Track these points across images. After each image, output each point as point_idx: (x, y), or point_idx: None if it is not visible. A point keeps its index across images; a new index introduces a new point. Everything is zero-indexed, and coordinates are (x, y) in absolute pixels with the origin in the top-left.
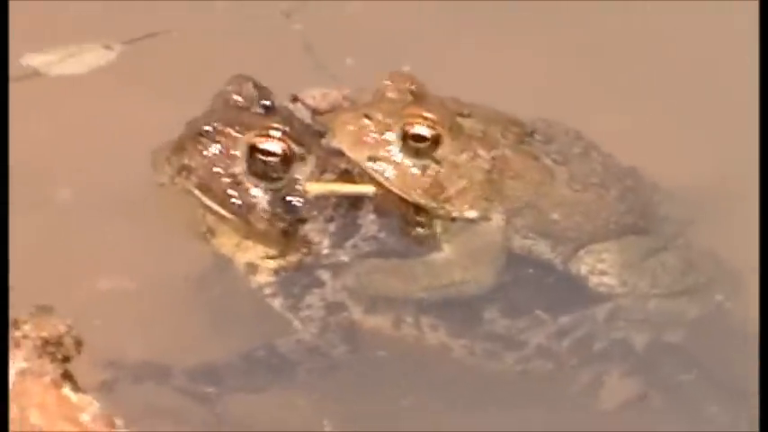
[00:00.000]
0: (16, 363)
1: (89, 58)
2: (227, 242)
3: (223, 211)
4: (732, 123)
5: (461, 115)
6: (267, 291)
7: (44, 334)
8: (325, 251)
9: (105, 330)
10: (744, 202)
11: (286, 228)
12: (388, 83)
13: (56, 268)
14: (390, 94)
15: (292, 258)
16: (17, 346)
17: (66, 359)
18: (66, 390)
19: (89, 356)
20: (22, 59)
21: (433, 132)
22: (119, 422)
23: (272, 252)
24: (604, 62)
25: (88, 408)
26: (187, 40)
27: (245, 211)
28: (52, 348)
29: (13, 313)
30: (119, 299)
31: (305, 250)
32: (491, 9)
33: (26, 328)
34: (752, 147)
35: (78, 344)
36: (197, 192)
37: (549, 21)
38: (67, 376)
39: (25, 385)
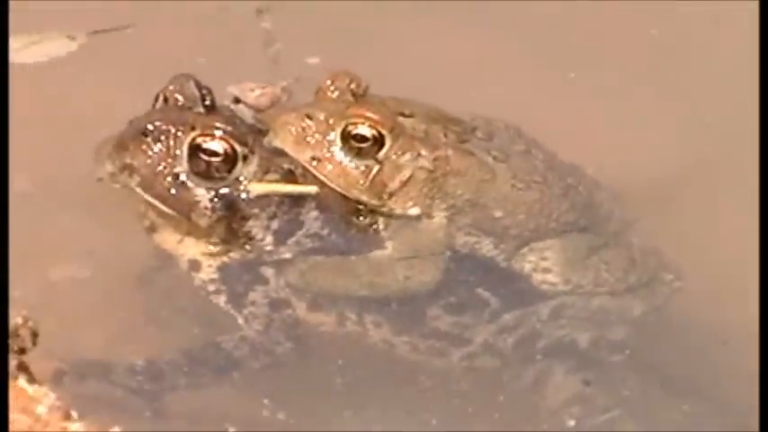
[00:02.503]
0: None
1: (51, 48)
2: (169, 238)
3: (166, 209)
4: (679, 124)
5: (403, 115)
6: (210, 288)
7: None
8: (268, 248)
9: (58, 320)
10: (686, 200)
11: (229, 225)
12: (329, 82)
13: (12, 257)
14: (331, 94)
15: (235, 255)
16: None
17: (21, 351)
18: (22, 382)
19: (43, 347)
20: None
21: (374, 133)
22: (74, 414)
23: (215, 249)
24: (555, 58)
25: (44, 399)
26: (152, 34)
27: (187, 210)
28: (8, 340)
29: None
30: (72, 288)
31: (248, 247)
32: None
33: None
34: (696, 147)
35: (34, 335)
36: (139, 190)
37: (513, 19)
38: (23, 368)
39: None
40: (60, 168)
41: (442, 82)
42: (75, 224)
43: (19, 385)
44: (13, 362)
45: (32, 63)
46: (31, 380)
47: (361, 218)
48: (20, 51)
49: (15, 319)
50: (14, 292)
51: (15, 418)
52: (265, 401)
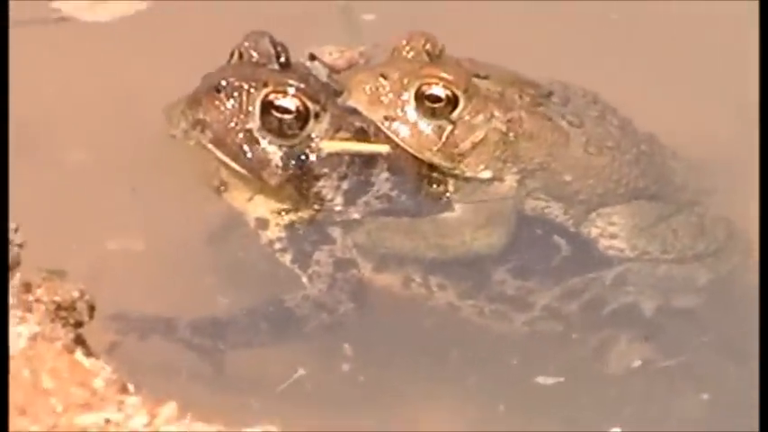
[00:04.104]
0: (29, 327)
1: (118, 7)
2: (239, 196)
3: (236, 166)
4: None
5: (478, 76)
6: (277, 246)
7: (57, 299)
8: (338, 208)
9: (115, 292)
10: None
11: (299, 184)
12: (405, 42)
13: (67, 228)
14: (407, 54)
15: (304, 214)
16: (29, 310)
17: (78, 324)
18: (79, 355)
19: (99, 319)
20: (53, 3)
21: (449, 93)
22: (131, 387)
23: (284, 207)
24: (630, 28)
25: (101, 373)
26: None
27: (258, 167)
28: (65, 313)
29: (24, 275)
30: (129, 259)
31: (317, 206)
32: None
33: (39, 292)
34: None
35: (91, 309)
36: (211, 146)
37: None
38: (80, 341)
39: (37, 350)
40: (118, 135)
41: (492, 44)
42: (129, 194)
43: (76, 359)
44: (70, 335)
45: (98, 22)
46: (88, 353)
47: (431, 180)
48: (86, 10)
49: (72, 292)
50: (69, 262)
51: (73, 391)
52: (345, 345)
